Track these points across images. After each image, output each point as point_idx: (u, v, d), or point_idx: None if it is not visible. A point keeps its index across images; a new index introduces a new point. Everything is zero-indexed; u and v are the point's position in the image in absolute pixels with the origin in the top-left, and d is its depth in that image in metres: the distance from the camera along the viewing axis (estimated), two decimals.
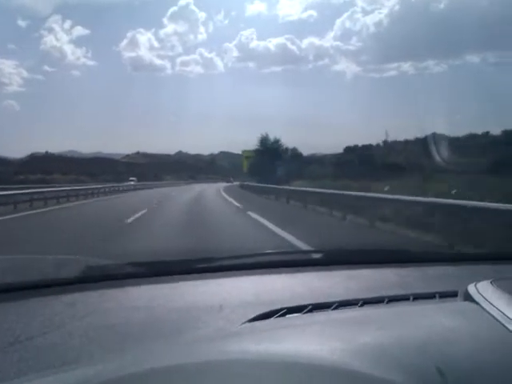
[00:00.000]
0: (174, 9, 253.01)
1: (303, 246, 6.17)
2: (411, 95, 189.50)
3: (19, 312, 1.05)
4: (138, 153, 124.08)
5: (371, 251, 1.85)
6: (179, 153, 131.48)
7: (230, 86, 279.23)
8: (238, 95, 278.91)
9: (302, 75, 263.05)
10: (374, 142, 51.34)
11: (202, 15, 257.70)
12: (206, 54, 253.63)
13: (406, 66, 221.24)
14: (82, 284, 1.22)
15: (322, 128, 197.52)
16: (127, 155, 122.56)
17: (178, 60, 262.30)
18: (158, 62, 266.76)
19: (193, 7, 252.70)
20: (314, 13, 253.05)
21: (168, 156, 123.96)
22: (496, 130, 42.02)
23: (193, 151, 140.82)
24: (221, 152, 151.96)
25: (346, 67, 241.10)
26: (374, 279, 1.39)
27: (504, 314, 0.78)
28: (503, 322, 0.76)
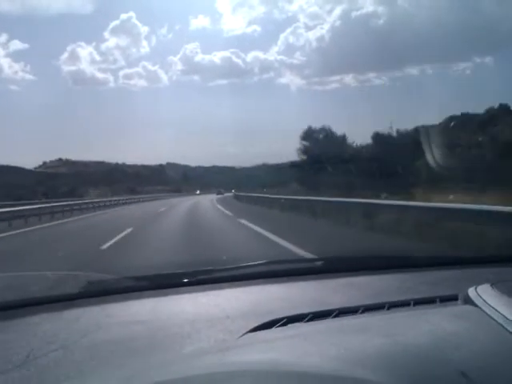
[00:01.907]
0: (115, 22, 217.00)
1: None
2: (353, 106, 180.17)
3: (21, 330, 1.03)
4: (59, 160, 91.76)
5: (370, 258, 1.83)
6: (122, 165, 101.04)
7: (175, 98, 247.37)
8: (183, 108, 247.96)
9: (247, 88, 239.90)
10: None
11: (144, 29, 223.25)
12: (150, 67, 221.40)
13: (348, 79, 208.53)
14: (84, 299, 1.22)
15: (270, 138, 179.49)
16: (44, 163, 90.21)
17: (121, 73, 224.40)
18: (100, 75, 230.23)
19: (135, 21, 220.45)
20: (257, 28, 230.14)
21: (101, 163, 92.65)
22: None
23: (137, 162, 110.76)
24: (168, 163, 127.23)
25: (291, 80, 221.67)
26: (373, 286, 1.36)
27: (505, 316, 0.78)
28: (504, 324, 0.75)
